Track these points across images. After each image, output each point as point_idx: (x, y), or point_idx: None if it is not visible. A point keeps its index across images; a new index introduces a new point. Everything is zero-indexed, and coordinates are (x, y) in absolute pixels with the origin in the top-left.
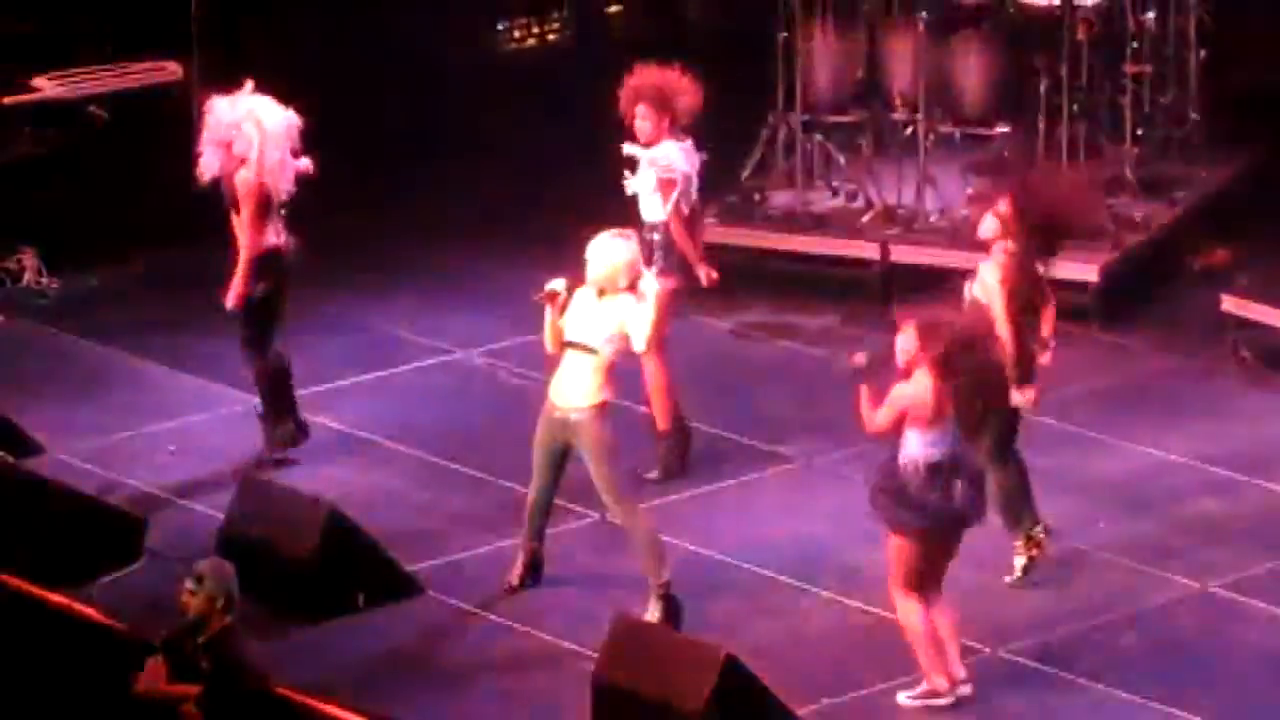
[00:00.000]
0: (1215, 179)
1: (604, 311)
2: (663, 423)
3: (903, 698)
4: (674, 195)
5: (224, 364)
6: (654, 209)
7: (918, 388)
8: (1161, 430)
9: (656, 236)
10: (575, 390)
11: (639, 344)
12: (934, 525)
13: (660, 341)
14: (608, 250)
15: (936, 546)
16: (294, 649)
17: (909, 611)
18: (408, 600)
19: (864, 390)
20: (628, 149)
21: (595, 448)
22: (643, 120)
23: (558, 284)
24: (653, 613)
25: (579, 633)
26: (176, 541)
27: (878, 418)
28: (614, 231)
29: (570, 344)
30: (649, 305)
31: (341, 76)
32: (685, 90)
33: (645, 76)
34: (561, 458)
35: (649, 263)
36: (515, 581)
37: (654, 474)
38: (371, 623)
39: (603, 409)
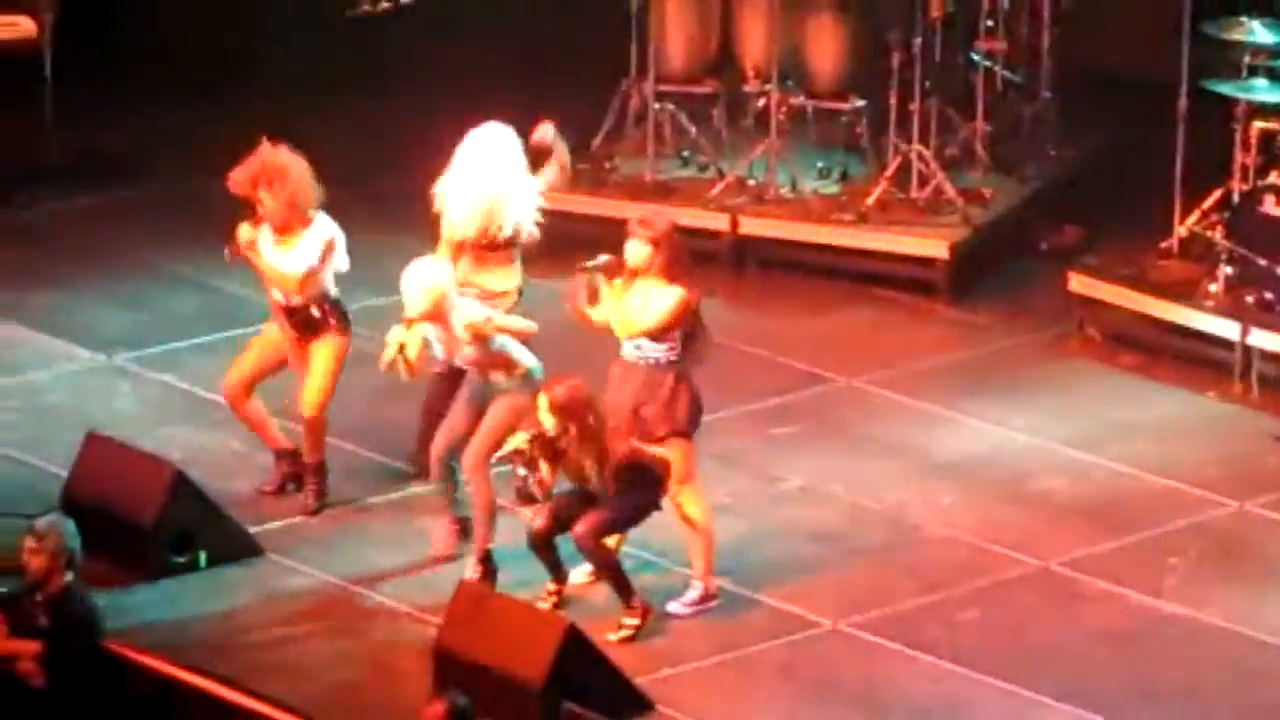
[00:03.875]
0: (1065, 158)
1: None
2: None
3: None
4: None
5: (69, 320)
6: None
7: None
8: (1007, 407)
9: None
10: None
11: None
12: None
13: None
14: (422, 277)
15: None
16: (135, 608)
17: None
18: (248, 561)
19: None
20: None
21: (505, 406)
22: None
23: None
24: (472, 571)
25: (420, 597)
26: (19, 498)
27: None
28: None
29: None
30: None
31: (198, 35)
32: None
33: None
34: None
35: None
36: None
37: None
38: (212, 583)
39: (525, 378)
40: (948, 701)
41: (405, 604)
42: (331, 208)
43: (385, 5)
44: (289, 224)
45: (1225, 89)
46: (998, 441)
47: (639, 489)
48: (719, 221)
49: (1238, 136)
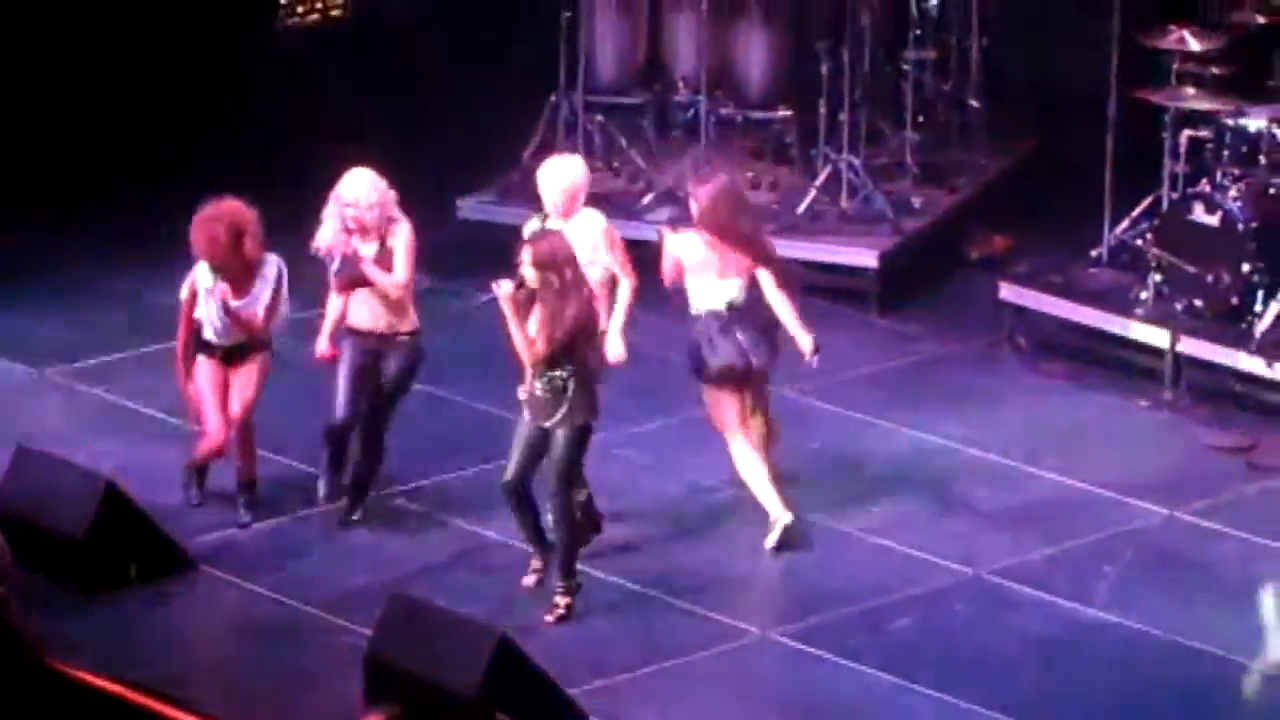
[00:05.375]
0: (994, 166)
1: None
2: None
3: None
4: None
5: (1, 334)
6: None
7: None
8: (937, 415)
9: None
10: None
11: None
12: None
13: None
14: (562, 172)
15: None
16: (66, 621)
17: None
18: (181, 575)
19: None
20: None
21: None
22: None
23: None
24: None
25: (352, 609)
26: None
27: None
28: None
29: None
30: None
31: (124, 51)
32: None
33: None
34: None
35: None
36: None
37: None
38: (144, 596)
39: None
40: (879, 710)
41: (337, 615)
42: (276, 223)
43: (314, 18)
44: (245, 273)
45: (1155, 97)
46: (928, 450)
47: (585, 405)
48: (648, 232)
49: (1167, 144)
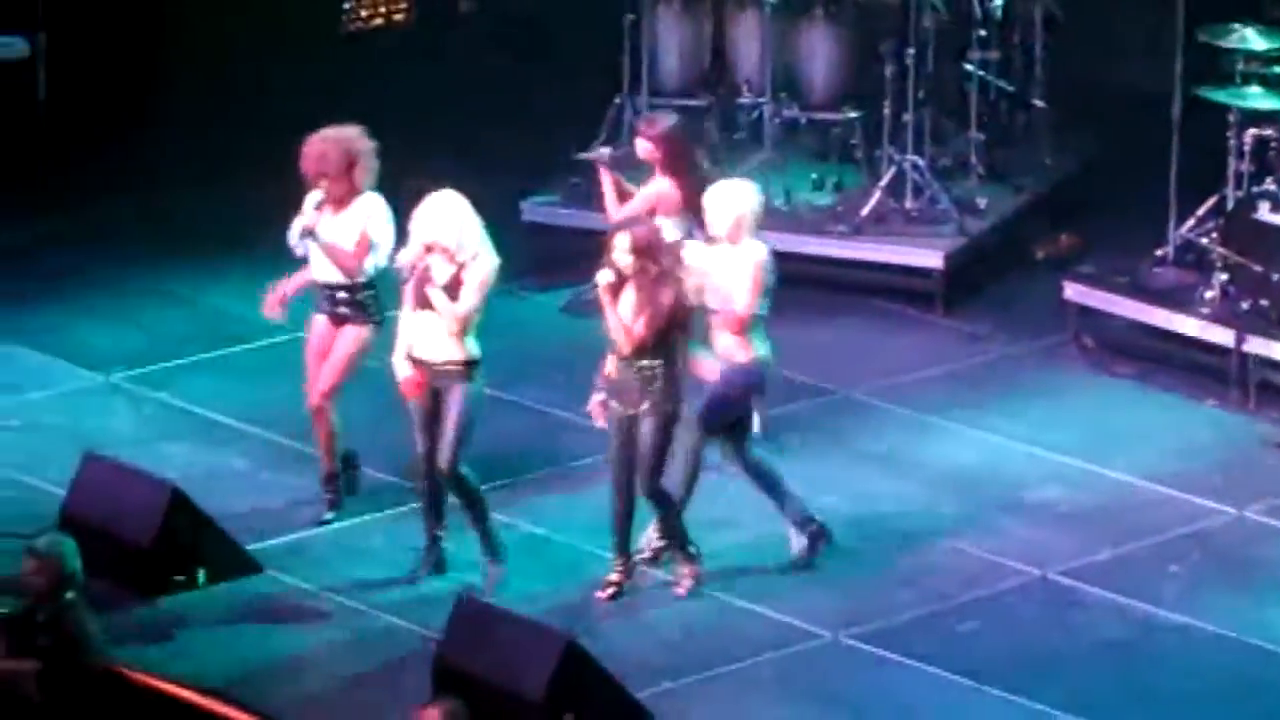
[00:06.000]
0: (1059, 166)
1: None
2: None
3: None
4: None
5: (65, 339)
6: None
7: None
8: (1004, 416)
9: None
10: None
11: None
12: None
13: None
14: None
15: None
16: (134, 626)
17: None
18: (247, 578)
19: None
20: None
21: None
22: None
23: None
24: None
25: (421, 613)
26: (18, 519)
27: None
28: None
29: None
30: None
31: (186, 57)
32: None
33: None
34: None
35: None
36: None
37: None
38: (212, 602)
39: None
40: (949, 713)
41: (406, 619)
42: None
43: (378, 21)
44: (347, 201)
45: (1219, 96)
46: (995, 451)
47: (672, 394)
48: None
49: (1232, 143)
